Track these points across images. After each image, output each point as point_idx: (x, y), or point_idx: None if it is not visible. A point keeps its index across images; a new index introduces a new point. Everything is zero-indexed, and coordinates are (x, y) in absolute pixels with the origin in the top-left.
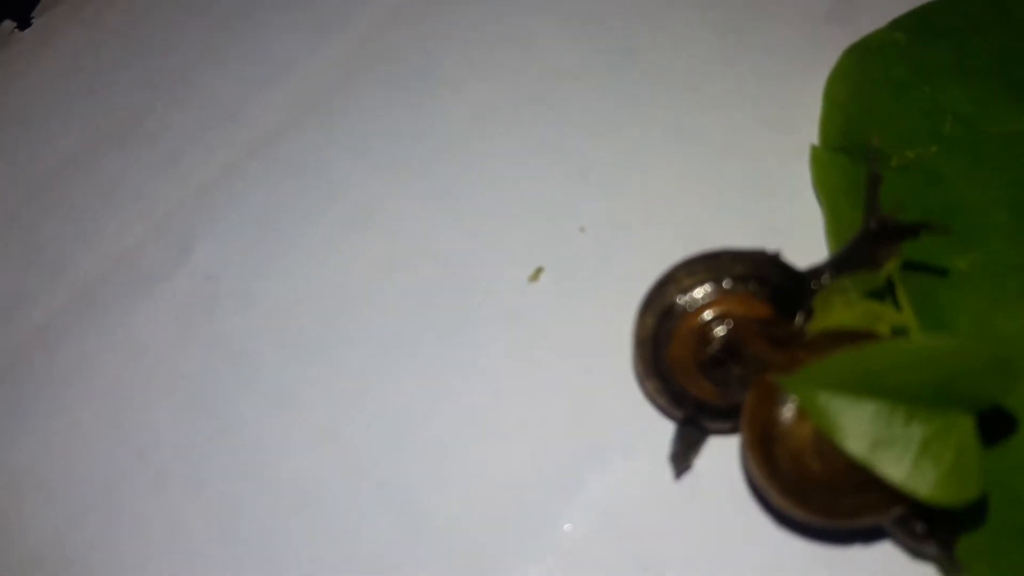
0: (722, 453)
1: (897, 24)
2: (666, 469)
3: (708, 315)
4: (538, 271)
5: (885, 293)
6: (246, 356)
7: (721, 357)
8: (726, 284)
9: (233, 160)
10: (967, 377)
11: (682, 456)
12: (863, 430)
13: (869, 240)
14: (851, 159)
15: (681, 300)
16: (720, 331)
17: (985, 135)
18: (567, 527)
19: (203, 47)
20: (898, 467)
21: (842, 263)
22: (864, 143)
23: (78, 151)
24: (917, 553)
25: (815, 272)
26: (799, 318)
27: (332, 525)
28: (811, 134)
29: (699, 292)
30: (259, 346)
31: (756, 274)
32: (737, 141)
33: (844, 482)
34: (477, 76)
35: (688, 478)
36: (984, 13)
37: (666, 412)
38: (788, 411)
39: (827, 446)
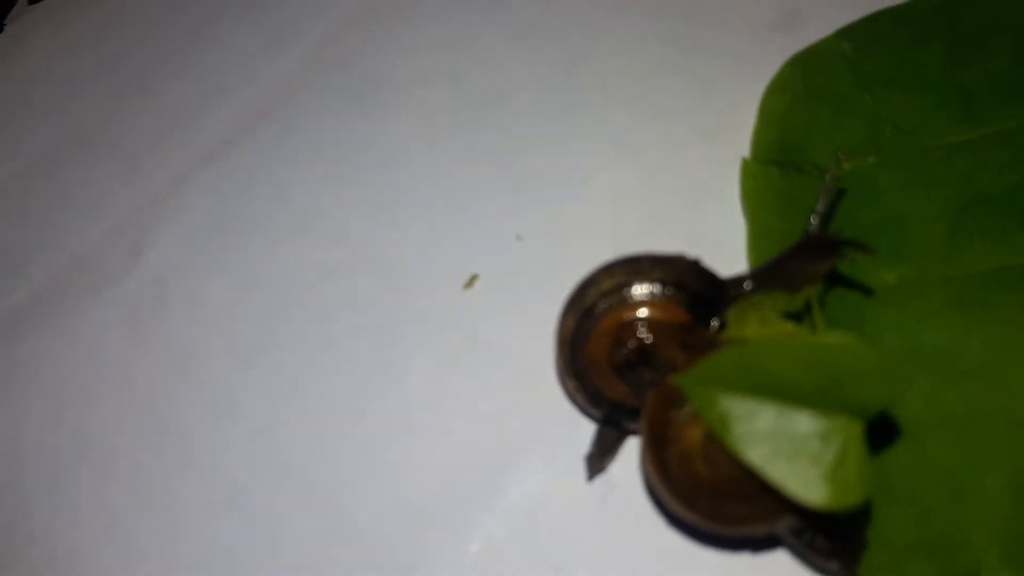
0: (637, 460)
1: (844, 33)
2: (583, 473)
3: (625, 317)
4: (473, 278)
5: (804, 314)
6: (190, 358)
7: (633, 361)
8: (644, 288)
9: (187, 167)
10: (854, 379)
11: (597, 458)
12: (749, 428)
13: (804, 251)
14: (782, 171)
15: (599, 302)
16: (635, 335)
17: (926, 147)
18: (484, 530)
19: (165, 56)
20: (780, 466)
21: (767, 273)
22: (799, 156)
23: (42, 155)
24: (821, 569)
25: (736, 281)
26: (714, 326)
27: (260, 521)
28: (746, 146)
29: (616, 295)
30: (202, 348)
31: (675, 279)
32: (673, 152)
33: (729, 489)
34: (424, 84)
35: (602, 483)
36: (931, 23)
37: (584, 411)
38: (683, 415)
39: (714, 452)
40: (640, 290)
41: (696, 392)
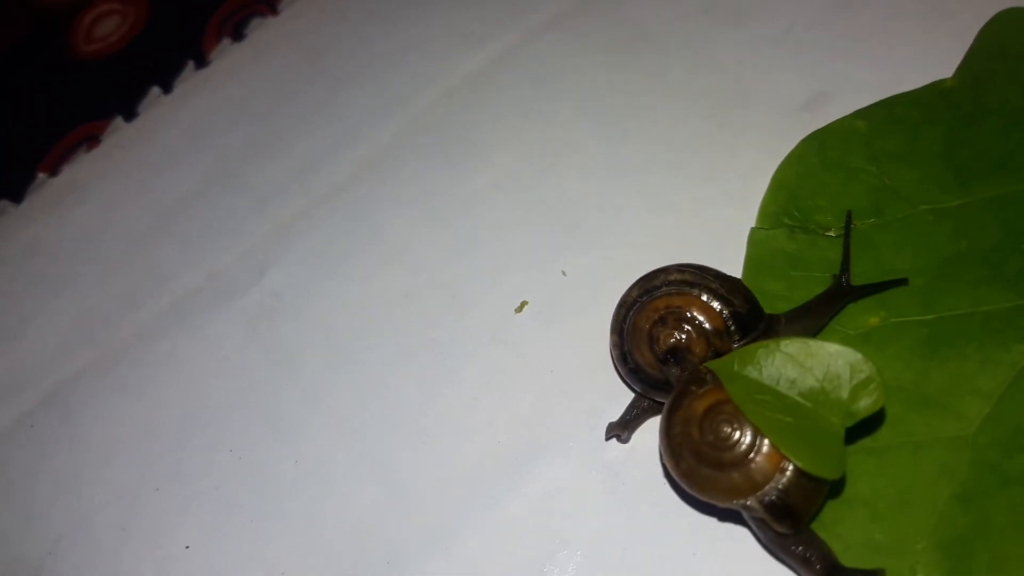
0: (644, 460)
1: (860, 113)
2: (592, 468)
3: (676, 303)
4: (523, 304)
5: None
6: (293, 356)
7: (665, 360)
8: (700, 291)
9: (307, 206)
10: (847, 386)
11: (619, 424)
12: (760, 401)
13: (836, 296)
14: (789, 233)
15: (663, 286)
16: (678, 321)
17: (919, 211)
18: (510, 506)
19: (296, 117)
20: (778, 433)
21: (798, 314)
22: (806, 218)
23: (191, 191)
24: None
25: (774, 318)
26: (736, 344)
27: (337, 490)
28: None
29: (677, 286)
30: (304, 349)
31: (726, 294)
32: (703, 211)
33: (709, 454)
34: (499, 146)
35: (610, 476)
36: (937, 106)
37: (616, 366)
38: (698, 389)
39: (709, 422)
40: (697, 290)
41: (723, 370)
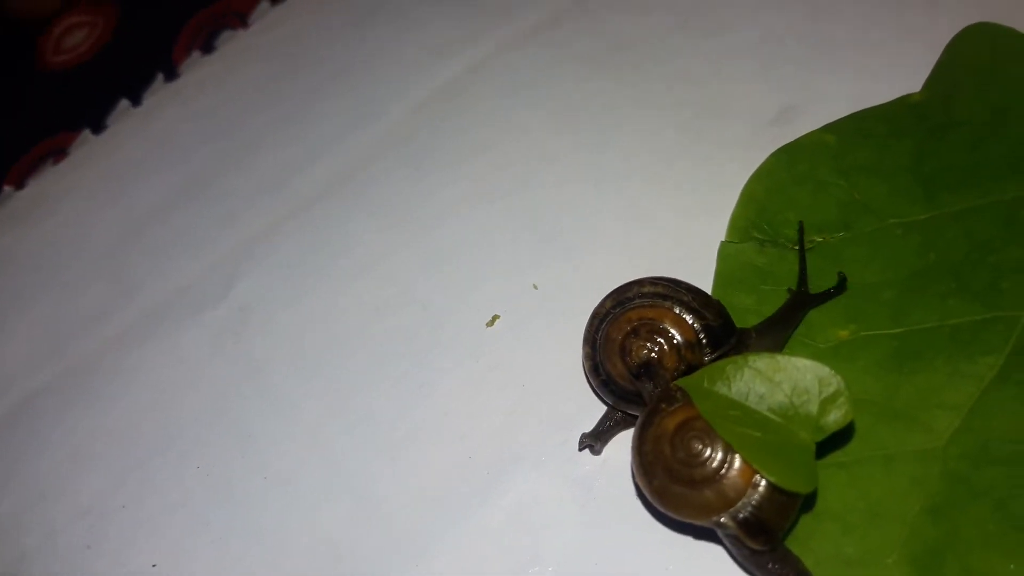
0: (616, 475)
1: (829, 128)
2: (565, 482)
3: (649, 315)
4: (494, 318)
5: None
6: (262, 369)
7: (637, 373)
8: (673, 304)
9: (275, 219)
10: (806, 398)
11: (592, 435)
12: (730, 417)
13: (795, 305)
14: (759, 246)
15: (636, 298)
16: (650, 332)
17: (887, 225)
18: (483, 519)
19: (267, 129)
20: (749, 449)
21: (767, 327)
22: (775, 232)
23: (160, 204)
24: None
25: (744, 332)
26: (708, 357)
27: (305, 502)
28: None
29: (650, 298)
30: (273, 362)
31: (698, 308)
32: (677, 223)
33: (681, 472)
34: (471, 157)
35: (582, 490)
36: (906, 120)
37: (587, 377)
38: (668, 406)
39: (679, 439)
40: (669, 303)
41: (693, 387)
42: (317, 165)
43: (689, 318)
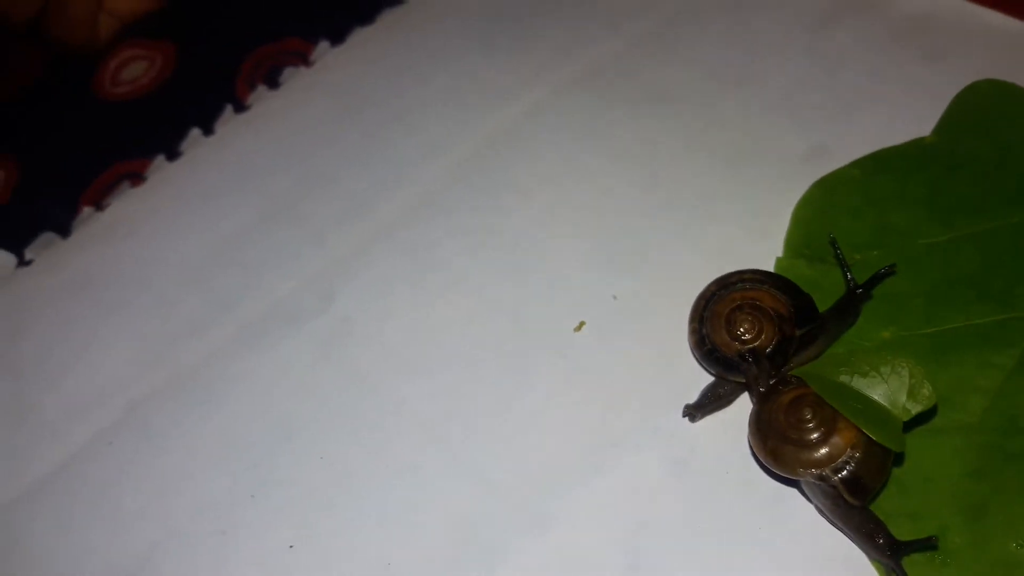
0: (710, 453)
1: (855, 164)
2: (662, 461)
3: (751, 295)
4: (581, 324)
5: None
6: (366, 377)
7: (741, 344)
8: (770, 287)
9: (364, 240)
10: (898, 386)
11: (696, 405)
12: (842, 391)
13: (852, 298)
14: (808, 262)
15: (738, 283)
16: (752, 308)
17: (914, 244)
18: (580, 496)
19: (340, 158)
20: (857, 414)
21: (838, 311)
22: (822, 250)
23: (243, 226)
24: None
25: (824, 315)
26: (799, 331)
27: (429, 489)
28: (779, 245)
29: (750, 283)
30: (377, 370)
31: (790, 291)
32: (726, 246)
33: (791, 435)
34: (542, 188)
35: (680, 467)
36: (920, 158)
37: (693, 351)
38: (784, 388)
39: (792, 409)
40: (767, 286)
41: (809, 375)
42: (395, 191)
43: (784, 298)
